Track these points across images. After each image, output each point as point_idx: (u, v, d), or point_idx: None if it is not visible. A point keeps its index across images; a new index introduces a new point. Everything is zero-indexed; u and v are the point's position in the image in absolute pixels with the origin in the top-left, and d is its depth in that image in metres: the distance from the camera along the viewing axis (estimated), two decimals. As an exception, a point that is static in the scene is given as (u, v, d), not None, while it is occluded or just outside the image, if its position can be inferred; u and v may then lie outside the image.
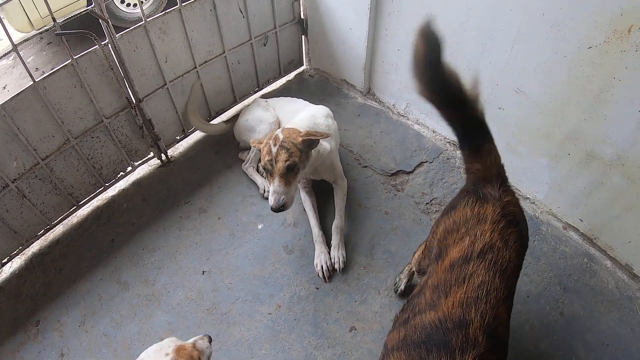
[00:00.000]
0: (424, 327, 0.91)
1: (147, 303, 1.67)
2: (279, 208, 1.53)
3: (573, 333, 1.61)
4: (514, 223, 1.05)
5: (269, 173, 1.58)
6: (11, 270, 1.90)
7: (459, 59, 1.76)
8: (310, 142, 1.59)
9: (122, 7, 3.01)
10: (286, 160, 1.52)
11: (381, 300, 1.60)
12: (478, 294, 0.92)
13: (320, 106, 1.88)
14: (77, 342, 1.65)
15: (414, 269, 1.41)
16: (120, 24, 2.83)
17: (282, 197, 1.53)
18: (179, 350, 1.04)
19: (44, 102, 1.61)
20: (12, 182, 1.67)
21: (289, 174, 1.55)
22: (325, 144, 1.73)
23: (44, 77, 1.60)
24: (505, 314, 0.95)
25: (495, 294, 0.92)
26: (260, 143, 1.64)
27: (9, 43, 1.45)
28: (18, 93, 1.56)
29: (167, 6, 2.92)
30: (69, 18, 1.68)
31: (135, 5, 3.06)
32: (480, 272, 0.95)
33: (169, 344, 1.06)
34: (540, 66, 1.52)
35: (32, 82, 1.56)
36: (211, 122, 2.20)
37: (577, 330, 1.62)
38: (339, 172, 1.84)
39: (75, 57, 1.62)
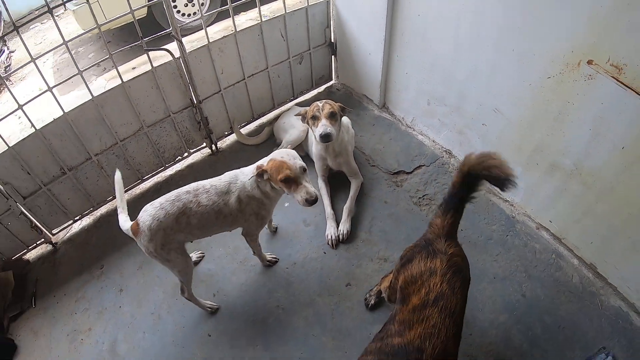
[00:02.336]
0: (392, 346, 1.23)
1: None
2: (327, 135, 2.04)
3: (532, 313, 1.90)
4: (458, 271, 1.34)
5: (315, 119, 2.10)
6: (81, 226, 2.44)
7: (453, 82, 2.16)
8: (342, 108, 2.16)
9: (179, 16, 3.66)
10: (330, 109, 2.08)
11: (372, 267, 2.02)
12: (432, 331, 1.22)
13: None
14: (134, 281, 2.16)
15: (383, 294, 1.73)
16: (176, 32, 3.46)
17: (328, 128, 2.04)
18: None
19: (127, 97, 2.16)
20: (95, 155, 2.23)
21: (331, 118, 2.07)
22: (349, 127, 2.29)
23: (130, 79, 2.15)
24: (453, 347, 1.26)
25: (446, 332, 1.22)
26: (306, 111, 2.18)
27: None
28: (109, 89, 2.12)
29: (219, 17, 3.46)
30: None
31: (189, 15, 3.71)
32: (434, 315, 1.25)
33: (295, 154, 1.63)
34: (512, 91, 1.89)
35: (120, 82, 2.12)
36: (250, 137, 2.69)
37: (536, 311, 1.91)
38: (355, 168, 2.30)
39: (155, 66, 2.17)
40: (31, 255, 2.38)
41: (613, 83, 1.51)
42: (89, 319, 2.09)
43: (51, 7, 1.74)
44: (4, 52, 3.83)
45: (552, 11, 1.60)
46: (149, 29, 2.16)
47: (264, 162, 1.69)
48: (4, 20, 3.93)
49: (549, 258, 2.07)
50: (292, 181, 1.63)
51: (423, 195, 2.25)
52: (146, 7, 3.27)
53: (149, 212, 1.63)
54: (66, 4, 2.16)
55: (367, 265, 2.03)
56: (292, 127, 2.44)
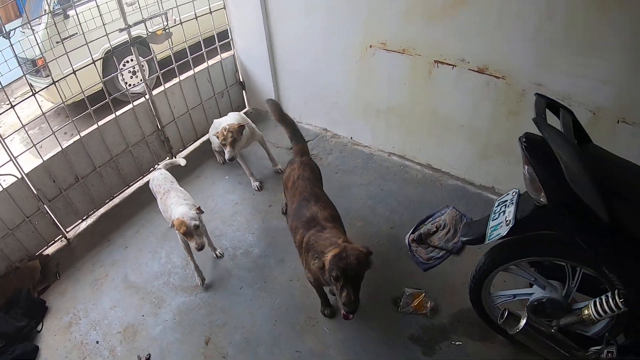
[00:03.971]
0: (293, 210, 2.33)
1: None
2: (231, 159, 3.08)
3: (390, 197, 3.14)
4: (307, 164, 2.54)
5: (224, 145, 3.07)
6: (87, 223, 3.43)
7: (313, 83, 3.72)
8: (240, 127, 3.09)
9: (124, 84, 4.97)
10: (232, 137, 3.03)
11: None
12: (302, 189, 2.37)
13: (237, 112, 3.49)
14: (135, 240, 3.19)
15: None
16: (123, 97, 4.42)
17: (231, 154, 3.05)
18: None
19: (118, 126, 3.41)
20: (98, 167, 3.38)
21: (232, 145, 3.05)
22: (254, 130, 3.49)
23: (120, 114, 3.42)
24: (320, 190, 2.44)
25: (310, 187, 2.38)
26: (218, 134, 3.10)
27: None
28: (107, 121, 3.37)
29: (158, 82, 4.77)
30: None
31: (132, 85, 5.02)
32: (300, 183, 2.40)
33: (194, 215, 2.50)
34: (344, 74, 3.35)
35: (96, 126, 3.38)
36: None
37: (392, 195, 3.15)
38: (259, 135, 3.44)
39: (134, 105, 3.47)
40: (50, 250, 3.26)
41: (385, 52, 2.99)
42: (104, 269, 3.04)
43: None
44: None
45: (348, 21, 3.05)
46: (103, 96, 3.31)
47: (174, 218, 2.50)
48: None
49: (398, 168, 3.38)
50: (188, 234, 2.45)
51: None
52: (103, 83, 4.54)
53: None
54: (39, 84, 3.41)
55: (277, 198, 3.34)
56: (215, 138, 3.39)
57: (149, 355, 2.49)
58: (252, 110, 4.39)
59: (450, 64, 2.78)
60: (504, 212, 1.74)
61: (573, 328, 1.87)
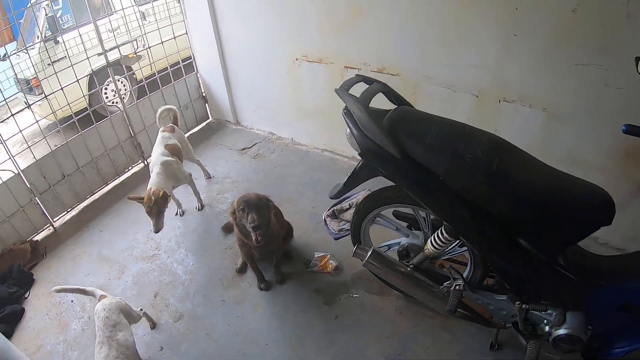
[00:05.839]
0: None
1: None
2: (158, 231, 3.04)
3: (316, 183, 3.65)
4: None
5: (148, 213, 2.95)
6: (71, 215, 4.09)
7: (256, 92, 4.46)
8: (165, 197, 2.99)
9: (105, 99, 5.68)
10: (157, 209, 2.94)
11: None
12: None
13: (162, 159, 3.29)
14: (110, 225, 3.89)
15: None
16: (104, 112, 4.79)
17: (158, 226, 3.01)
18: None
19: (99, 134, 4.15)
20: (81, 167, 4.10)
21: (159, 214, 2.97)
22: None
23: (100, 122, 4.18)
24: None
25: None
26: (141, 199, 2.94)
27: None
28: (92, 128, 4.12)
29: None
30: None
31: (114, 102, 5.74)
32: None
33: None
34: (279, 84, 4.10)
35: (79, 133, 4.14)
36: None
37: (318, 182, 3.66)
38: (186, 177, 3.50)
39: (110, 116, 4.22)
40: (38, 237, 3.92)
41: (307, 63, 3.60)
42: (83, 248, 3.63)
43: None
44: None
45: (278, 38, 3.67)
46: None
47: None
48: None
49: (328, 162, 3.95)
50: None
51: (255, 155, 4.37)
52: (87, 98, 5.21)
53: None
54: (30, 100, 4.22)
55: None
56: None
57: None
58: (214, 120, 5.12)
59: (356, 68, 3.38)
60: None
61: (428, 266, 2.21)
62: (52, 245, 3.86)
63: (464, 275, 2.24)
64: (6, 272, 3.54)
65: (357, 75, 2.07)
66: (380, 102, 2.00)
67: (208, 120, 5.12)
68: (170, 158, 3.32)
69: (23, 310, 3.31)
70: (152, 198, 2.90)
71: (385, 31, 3.08)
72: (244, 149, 4.50)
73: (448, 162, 1.66)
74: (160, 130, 3.63)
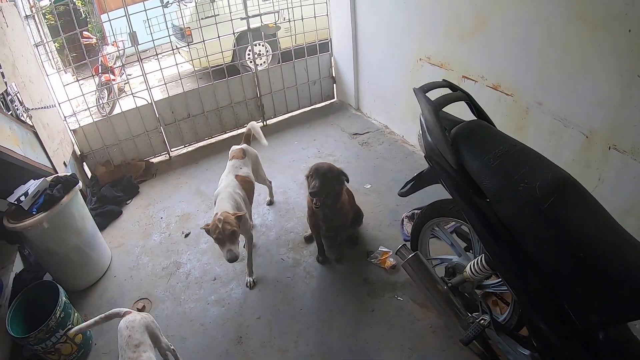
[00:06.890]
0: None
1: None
2: (234, 260, 2.28)
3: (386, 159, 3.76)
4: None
5: (219, 242, 2.30)
6: (187, 150, 4.52)
7: (379, 84, 4.35)
8: (239, 217, 2.36)
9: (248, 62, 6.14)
10: (230, 230, 2.27)
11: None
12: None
13: (227, 190, 2.62)
14: (215, 168, 4.14)
15: None
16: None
17: (234, 253, 2.28)
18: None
19: (228, 88, 4.47)
20: (206, 112, 4.46)
21: (233, 238, 2.29)
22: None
23: (230, 79, 4.50)
24: None
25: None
26: (208, 226, 2.31)
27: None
28: (219, 81, 4.47)
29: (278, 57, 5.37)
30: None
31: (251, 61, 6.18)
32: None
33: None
34: (400, 80, 3.91)
35: (211, 83, 4.47)
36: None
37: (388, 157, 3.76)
38: (249, 233, 2.72)
39: (243, 74, 4.52)
40: (154, 160, 4.43)
41: (429, 65, 3.48)
42: (186, 179, 4.06)
43: (173, 48, 4.20)
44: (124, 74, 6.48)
45: (405, 35, 3.62)
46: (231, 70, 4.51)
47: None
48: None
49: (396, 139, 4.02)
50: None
51: (364, 142, 4.24)
52: (232, 53, 5.63)
53: None
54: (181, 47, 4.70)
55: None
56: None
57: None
58: (338, 101, 5.19)
59: (473, 79, 3.10)
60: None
61: (471, 292, 2.06)
62: (163, 169, 4.29)
63: (504, 316, 2.09)
64: (119, 180, 4.04)
65: (443, 80, 1.97)
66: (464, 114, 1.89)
67: (332, 100, 5.20)
68: (239, 192, 2.70)
69: (120, 212, 3.71)
70: (222, 223, 2.29)
71: (506, 46, 2.77)
72: (355, 134, 4.42)
73: (498, 185, 1.50)
74: (230, 152, 3.15)
